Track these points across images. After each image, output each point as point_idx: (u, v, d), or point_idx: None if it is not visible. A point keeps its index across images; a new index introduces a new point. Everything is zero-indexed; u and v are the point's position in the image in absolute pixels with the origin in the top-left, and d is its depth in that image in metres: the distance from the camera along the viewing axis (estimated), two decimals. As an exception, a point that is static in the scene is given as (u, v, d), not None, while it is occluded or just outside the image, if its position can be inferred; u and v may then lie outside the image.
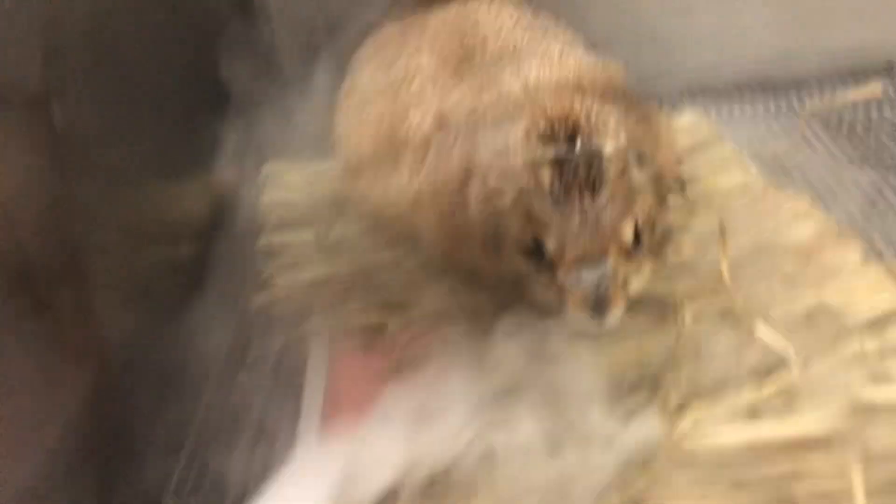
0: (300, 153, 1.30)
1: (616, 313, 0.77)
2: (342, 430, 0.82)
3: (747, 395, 0.79)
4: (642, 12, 1.48)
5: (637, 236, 0.79)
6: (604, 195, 0.76)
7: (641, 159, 0.81)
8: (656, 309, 0.89)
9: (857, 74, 1.46)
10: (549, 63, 0.96)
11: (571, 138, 0.78)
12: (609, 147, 0.78)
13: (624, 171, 0.78)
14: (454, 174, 0.87)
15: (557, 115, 0.80)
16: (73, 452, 0.69)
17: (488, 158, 0.83)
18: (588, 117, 0.80)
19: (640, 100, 0.96)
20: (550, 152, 0.78)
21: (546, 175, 0.77)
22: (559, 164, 0.77)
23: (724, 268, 0.89)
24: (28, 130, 0.69)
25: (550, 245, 0.77)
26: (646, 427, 0.76)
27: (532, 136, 0.79)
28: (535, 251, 0.78)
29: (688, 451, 0.75)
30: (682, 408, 0.78)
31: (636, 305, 0.85)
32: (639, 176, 0.80)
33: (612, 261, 0.76)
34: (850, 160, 1.28)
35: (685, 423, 0.76)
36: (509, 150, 0.80)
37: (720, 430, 0.77)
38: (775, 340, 0.84)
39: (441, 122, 0.95)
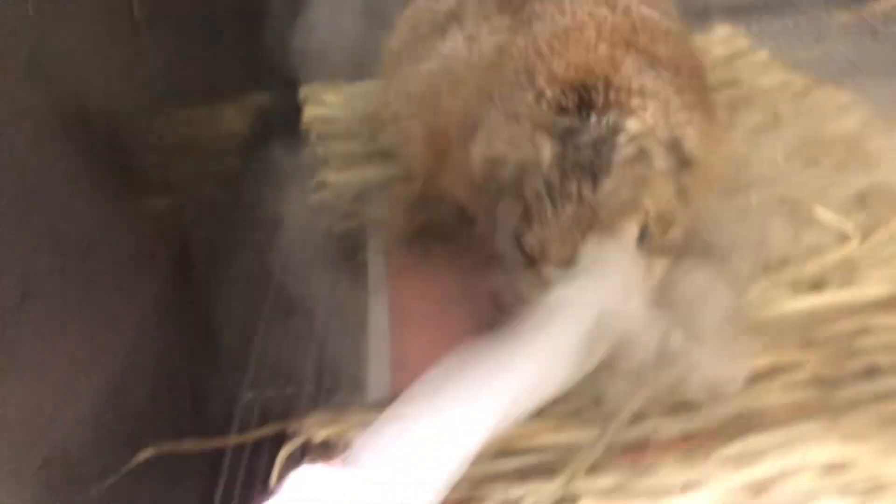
0: (338, 75, 1.35)
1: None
2: (415, 345, 0.85)
3: (810, 268, 0.84)
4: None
5: (644, 234, 0.66)
6: (606, 184, 0.63)
7: (674, 145, 0.68)
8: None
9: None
10: (595, 11, 0.77)
11: (585, 110, 0.66)
12: (631, 125, 0.65)
13: (641, 157, 0.65)
14: (461, 116, 0.76)
15: (572, 80, 0.67)
16: (159, 325, 0.74)
17: (498, 115, 0.71)
18: (609, 86, 0.66)
19: (707, 91, 0.82)
20: (559, 124, 0.65)
21: (546, 152, 0.64)
22: (563, 141, 0.64)
23: (780, 155, 0.92)
24: (109, 18, 0.73)
25: (534, 236, 0.65)
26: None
27: (542, 101, 0.67)
28: (516, 239, 0.67)
29: (757, 318, 0.79)
30: (748, 281, 0.83)
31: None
32: (662, 163, 0.66)
33: None
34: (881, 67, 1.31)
35: (753, 293, 0.80)
36: (519, 112, 0.68)
37: (786, 299, 0.82)
38: (833, 219, 0.88)
39: (470, 47, 0.82)
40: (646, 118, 0.66)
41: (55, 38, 0.62)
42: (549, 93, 0.67)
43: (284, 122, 1.33)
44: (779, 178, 0.95)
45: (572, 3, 0.78)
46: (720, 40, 1.35)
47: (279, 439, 0.77)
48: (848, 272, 0.83)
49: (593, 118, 0.65)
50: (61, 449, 0.56)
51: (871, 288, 0.81)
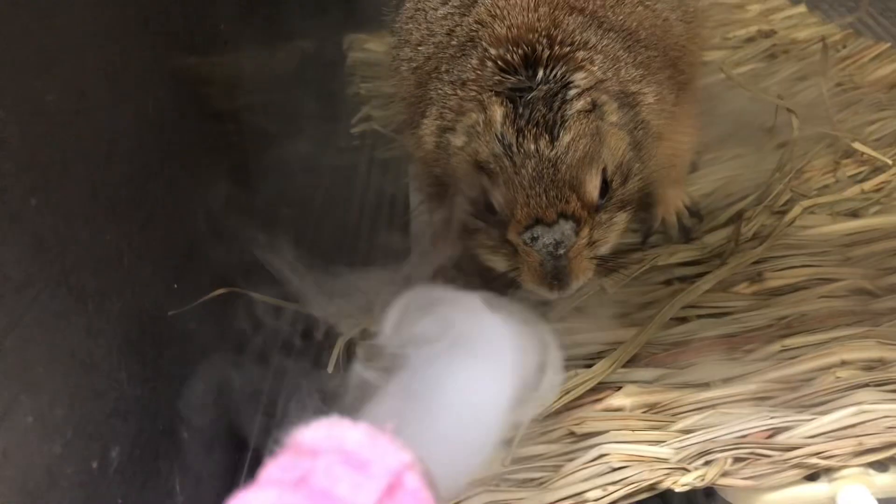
0: (379, 25, 1.38)
1: (577, 284, 0.64)
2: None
3: (849, 193, 0.86)
4: None
5: (606, 186, 0.64)
6: (565, 139, 0.61)
7: (625, 99, 0.66)
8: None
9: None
10: None
11: (531, 67, 0.63)
12: (578, 78, 0.63)
13: (595, 110, 0.63)
14: (416, 93, 0.74)
15: (514, 37, 0.65)
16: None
17: (445, 87, 0.68)
18: (553, 41, 0.64)
19: (678, 70, 0.75)
20: (507, 83, 0.63)
21: (497, 112, 0.62)
22: (514, 99, 0.62)
23: (824, 87, 0.94)
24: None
25: (497, 199, 0.63)
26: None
27: (486, 62, 0.65)
28: (484, 204, 0.65)
29: (798, 236, 0.82)
30: (790, 203, 0.85)
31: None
32: (615, 116, 0.65)
33: (571, 221, 0.62)
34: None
35: (793, 212, 0.83)
36: (465, 78, 0.66)
37: (826, 224, 0.84)
38: (871, 152, 0.90)
39: (427, 35, 0.77)
40: (594, 71, 0.64)
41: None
42: (492, 52, 0.65)
43: (328, 67, 1.37)
44: (820, 116, 0.96)
45: None
46: (756, -3, 1.36)
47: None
48: (886, 199, 0.85)
49: (540, 73, 0.63)
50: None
51: (907, 214, 0.83)
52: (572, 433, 0.68)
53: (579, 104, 0.62)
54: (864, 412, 0.62)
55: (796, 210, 0.83)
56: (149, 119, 0.68)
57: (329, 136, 1.14)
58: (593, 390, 0.70)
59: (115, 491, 0.56)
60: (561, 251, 0.61)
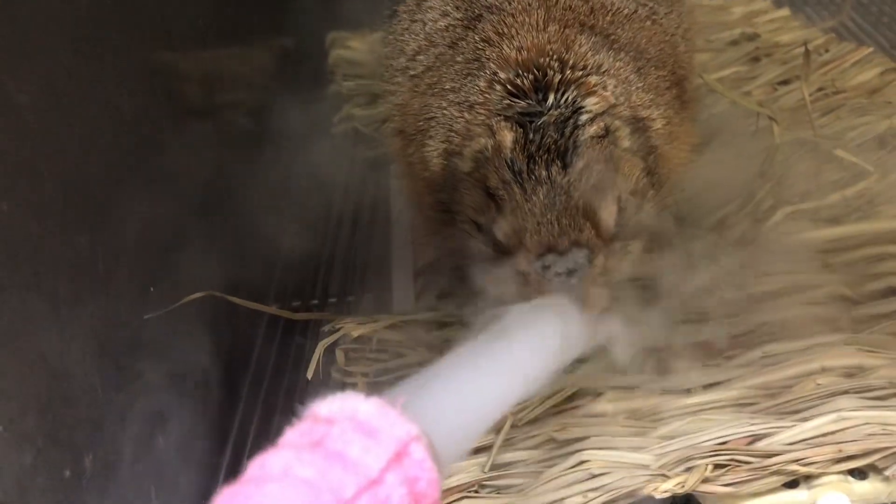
0: (362, 24, 1.37)
1: (593, 312, 0.61)
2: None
3: (830, 200, 0.86)
4: None
5: (620, 214, 0.63)
6: (578, 165, 0.59)
7: (637, 125, 0.65)
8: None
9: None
10: None
11: (541, 91, 0.62)
12: (591, 103, 0.62)
13: (608, 136, 0.62)
14: (420, 116, 0.71)
15: (525, 60, 0.63)
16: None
17: (452, 108, 0.67)
18: (564, 65, 0.63)
19: (682, 87, 0.75)
20: (516, 108, 0.62)
21: (507, 137, 0.60)
22: (524, 124, 0.60)
23: (806, 92, 0.94)
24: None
25: (507, 227, 0.61)
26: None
27: (495, 86, 0.63)
28: (492, 231, 0.63)
29: (780, 243, 0.82)
30: (772, 209, 0.85)
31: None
32: (628, 142, 0.63)
33: (585, 250, 0.59)
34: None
35: (776, 218, 0.83)
36: (472, 101, 0.65)
37: (807, 230, 0.84)
38: (852, 158, 0.90)
39: (427, 46, 0.76)
40: (606, 96, 0.62)
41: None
42: (502, 75, 0.63)
43: (309, 64, 1.36)
44: (801, 120, 0.97)
45: None
46: (740, 0, 1.36)
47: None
48: (867, 205, 0.86)
49: (551, 98, 0.61)
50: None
51: (888, 221, 0.83)
52: (553, 439, 0.67)
53: (592, 129, 0.61)
54: (844, 419, 0.62)
55: (778, 216, 0.83)
56: (124, 118, 0.67)
57: (309, 135, 1.13)
58: (575, 396, 0.70)
59: (89, 500, 0.55)
60: (574, 281, 0.59)
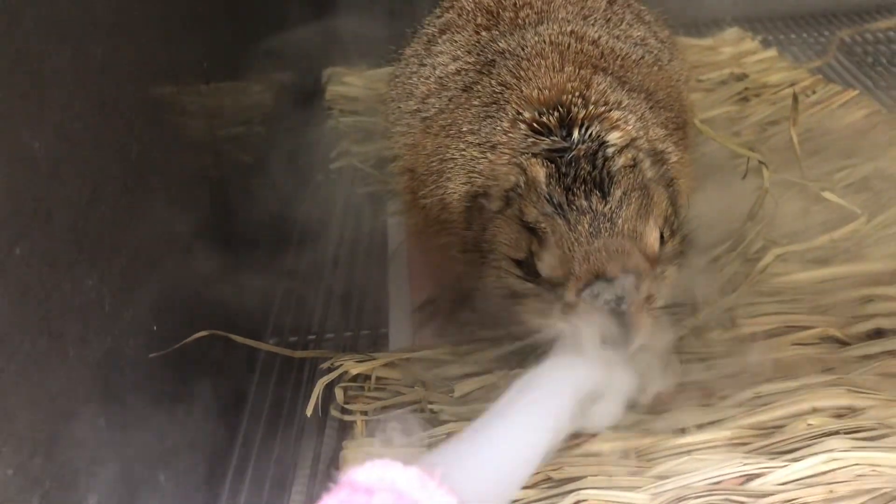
0: (358, 60, 1.39)
1: (640, 340, 0.61)
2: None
3: (819, 241, 0.88)
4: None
5: (661, 239, 0.64)
6: (616, 193, 0.61)
7: (657, 157, 0.67)
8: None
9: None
10: (558, 40, 0.75)
11: (566, 127, 0.64)
12: (614, 137, 0.64)
13: (635, 166, 0.64)
14: (434, 157, 0.72)
15: (547, 99, 0.65)
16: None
17: (472, 149, 0.69)
18: (587, 101, 0.65)
19: (686, 128, 0.79)
20: (542, 145, 0.64)
21: (540, 173, 0.62)
22: (553, 160, 0.62)
23: (794, 135, 0.96)
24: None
25: (553, 258, 0.62)
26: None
27: (519, 125, 0.65)
28: (533, 266, 0.63)
29: (770, 284, 0.83)
30: (762, 250, 0.87)
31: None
32: (651, 173, 0.65)
33: (632, 275, 0.60)
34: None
35: (766, 260, 0.84)
36: (495, 141, 0.67)
37: (797, 271, 0.86)
38: (840, 201, 0.92)
39: (438, 89, 0.78)
40: (629, 129, 0.65)
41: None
42: (526, 115, 0.65)
43: (306, 100, 1.38)
44: (790, 162, 0.99)
45: (534, 35, 0.76)
46: (729, 40, 1.39)
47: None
48: (855, 247, 0.88)
49: (576, 134, 0.63)
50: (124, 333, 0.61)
51: (875, 263, 0.85)
52: (550, 478, 0.68)
53: (622, 160, 0.63)
54: (835, 459, 0.63)
55: (768, 258, 0.84)
56: (132, 160, 0.68)
57: (307, 171, 1.15)
58: (572, 435, 0.71)
59: (92, 539, 0.56)
60: (623, 307, 0.59)
